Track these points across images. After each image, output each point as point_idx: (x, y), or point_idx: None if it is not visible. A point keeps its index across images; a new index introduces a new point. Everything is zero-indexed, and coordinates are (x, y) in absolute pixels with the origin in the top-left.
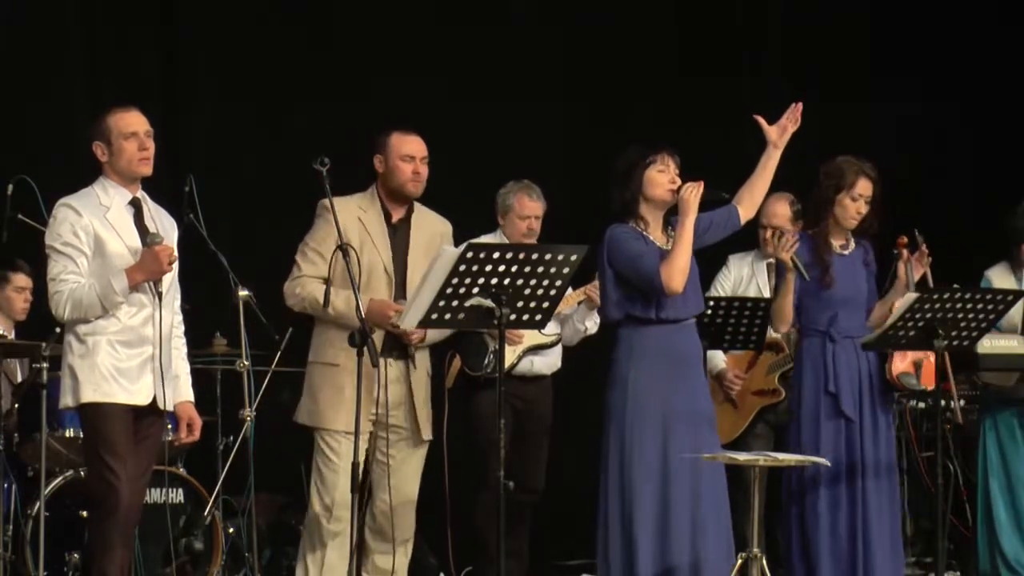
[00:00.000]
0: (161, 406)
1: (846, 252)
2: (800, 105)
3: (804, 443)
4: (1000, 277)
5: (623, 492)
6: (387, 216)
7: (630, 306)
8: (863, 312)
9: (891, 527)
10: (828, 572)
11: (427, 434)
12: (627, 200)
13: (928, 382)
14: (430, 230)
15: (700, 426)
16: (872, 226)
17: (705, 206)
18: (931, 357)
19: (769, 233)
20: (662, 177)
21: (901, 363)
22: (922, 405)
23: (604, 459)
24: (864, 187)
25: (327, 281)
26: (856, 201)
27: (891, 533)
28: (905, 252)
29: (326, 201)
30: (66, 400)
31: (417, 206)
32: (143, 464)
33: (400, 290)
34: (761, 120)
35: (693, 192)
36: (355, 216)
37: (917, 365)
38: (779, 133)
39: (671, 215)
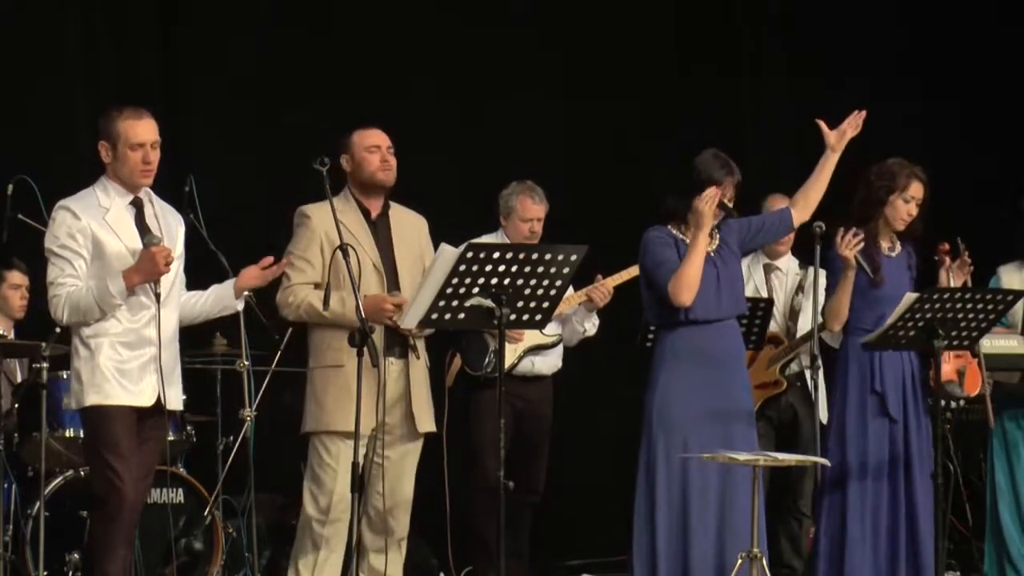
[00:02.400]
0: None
1: (893, 254)
2: (863, 113)
3: (850, 440)
4: (1010, 274)
5: (648, 492)
6: (366, 213)
7: (661, 308)
8: None
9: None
10: (867, 568)
11: (426, 426)
12: (680, 206)
13: (971, 388)
14: (409, 223)
15: (733, 426)
16: (918, 228)
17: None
18: (973, 363)
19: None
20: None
21: (945, 370)
22: None
23: (637, 458)
24: (916, 189)
25: (318, 286)
26: (908, 203)
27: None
28: (947, 259)
29: (304, 208)
30: (70, 403)
31: (392, 203)
32: (147, 465)
33: (392, 284)
34: (822, 124)
35: (708, 204)
36: (334, 219)
37: (960, 372)
38: (838, 137)
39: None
